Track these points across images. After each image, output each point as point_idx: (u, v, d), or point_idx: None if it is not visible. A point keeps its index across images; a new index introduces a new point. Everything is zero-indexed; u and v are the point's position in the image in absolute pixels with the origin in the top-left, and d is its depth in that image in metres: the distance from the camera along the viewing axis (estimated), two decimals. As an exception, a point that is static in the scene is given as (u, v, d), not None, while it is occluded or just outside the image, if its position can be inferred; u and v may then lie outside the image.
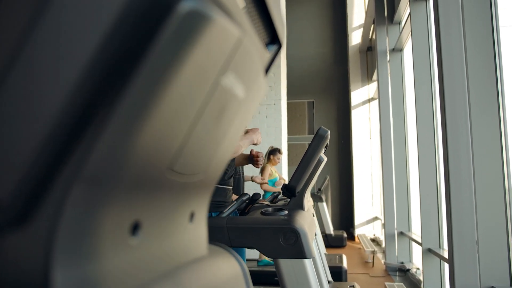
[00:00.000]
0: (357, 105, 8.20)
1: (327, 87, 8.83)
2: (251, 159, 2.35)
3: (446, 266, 3.33)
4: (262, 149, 5.91)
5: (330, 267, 3.82)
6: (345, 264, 4.29)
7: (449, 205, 2.47)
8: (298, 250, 1.40)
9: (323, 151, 1.91)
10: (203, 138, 0.39)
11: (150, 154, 0.32)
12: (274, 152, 4.91)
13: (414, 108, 3.86)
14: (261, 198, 1.96)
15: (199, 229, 0.50)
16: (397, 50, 5.12)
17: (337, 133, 8.67)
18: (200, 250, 0.51)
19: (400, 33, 4.85)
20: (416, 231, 4.66)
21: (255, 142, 2.03)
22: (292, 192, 1.62)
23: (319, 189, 7.23)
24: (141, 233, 0.35)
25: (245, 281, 0.61)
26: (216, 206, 1.95)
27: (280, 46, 0.57)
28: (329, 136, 1.65)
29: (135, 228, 0.34)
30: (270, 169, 4.86)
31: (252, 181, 4.41)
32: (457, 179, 2.40)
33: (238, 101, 0.43)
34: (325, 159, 1.77)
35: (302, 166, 1.61)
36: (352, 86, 8.28)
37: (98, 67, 0.25)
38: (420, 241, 3.85)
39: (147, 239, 0.36)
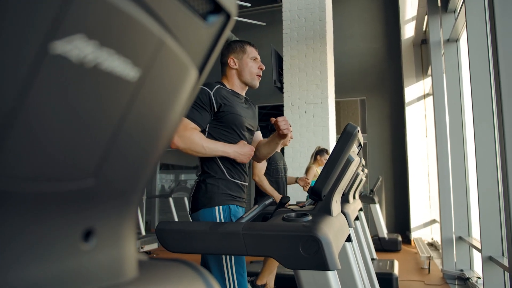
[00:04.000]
0: (412, 102, 7.77)
1: (379, 83, 8.46)
2: (277, 135, 1.95)
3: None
4: (309, 149, 5.75)
5: (378, 274, 3.60)
6: (396, 270, 4.03)
7: (508, 207, 2.20)
8: (320, 261, 1.25)
9: (356, 150, 1.75)
10: (50, 127, 0.28)
11: None
12: (321, 152, 4.73)
13: (471, 103, 3.53)
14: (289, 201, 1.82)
15: (108, 250, 0.39)
16: (452, 40, 4.74)
17: (390, 131, 8.28)
18: (113, 276, 0.40)
19: (456, 20, 4.48)
20: (476, 236, 4.28)
21: (231, 156, 1.82)
22: (317, 195, 1.48)
23: (372, 190, 6.91)
24: None
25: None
26: (235, 199, 1.86)
27: (228, 16, 0.45)
28: (358, 133, 1.49)
29: None
30: (316, 170, 4.69)
31: (297, 183, 4.25)
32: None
33: (127, 82, 0.32)
34: (356, 159, 1.60)
35: (328, 167, 1.46)
36: (405, 82, 7.86)
37: None
38: (479, 247, 3.51)
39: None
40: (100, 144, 0.33)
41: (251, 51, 2.01)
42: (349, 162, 1.52)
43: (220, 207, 1.82)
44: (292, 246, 1.28)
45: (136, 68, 0.32)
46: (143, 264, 0.51)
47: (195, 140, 1.74)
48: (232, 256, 1.75)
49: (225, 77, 2.03)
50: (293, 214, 1.45)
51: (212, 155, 1.82)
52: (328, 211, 1.53)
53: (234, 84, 2.01)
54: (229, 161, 1.87)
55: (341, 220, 1.64)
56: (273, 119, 1.95)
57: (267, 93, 8.34)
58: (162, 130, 0.40)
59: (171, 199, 7.83)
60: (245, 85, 2.02)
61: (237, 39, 2.10)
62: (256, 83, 2.02)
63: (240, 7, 7.76)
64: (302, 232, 1.28)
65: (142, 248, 6.05)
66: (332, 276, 1.28)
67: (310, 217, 1.40)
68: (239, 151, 1.83)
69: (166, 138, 0.43)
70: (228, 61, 2.00)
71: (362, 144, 1.79)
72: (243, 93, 2.05)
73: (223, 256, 1.74)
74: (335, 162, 1.45)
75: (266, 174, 3.60)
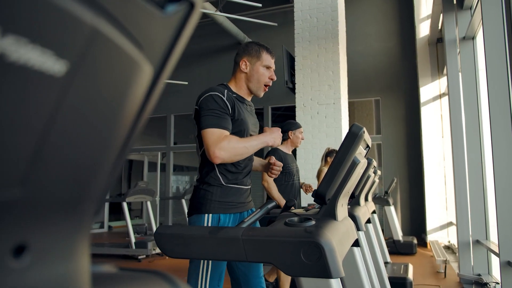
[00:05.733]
0: (427, 102, 7.61)
1: (394, 83, 8.32)
2: (267, 166, 2.05)
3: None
4: (321, 150, 5.67)
5: (392, 278, 3.52)
6: (410, 274, 3.93)
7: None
8: (322, 268, 1.20)
9: (363, 152, 1.68)
10: None
11: None
12: (331, 154, 4.64)
13: (487, 103, 3.41)
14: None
15: (48, 267, 0.35)
16: (468, 38, 4.62)
17: (405, 131, 8.13)
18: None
19: (472, 16, 4.36)
20: (494, 240, 4.14)
21: (270, 143, 1.79)
22: (321, 199, 1.42)
23: (386, 192, 6.80)
24: None
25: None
26: (228, 207, 1.81)
27: (192, 6, 0.41)
28: (364, 134, 1.42)
29: None
30: (326, 172, 4.60)
31: (301, 187, 4.09)
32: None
33: (51, 77, 0.28)
34: (362, 161, 1.54)
35: (332, 170, 1.41)
36: (421, 82, 7.71)
37: None
38: (497, 251, 3.39)
39: None
40: (24, 149, 0.29)
41: (266, 59, 1.93)
42: (354, 164, 1.46)
43: (210, 215, 1.77)
44: (293, 252, 1.23)
45: (62, 61, 0.28)
46: (105, 277, 0.47)
47: (236, 145, 1.70)
48: (210, 266, 1.72)
49: (234, 78, 1.96)
50: (296, 219, 1.39)
51: (254, 151, 1.81)
52: (332, 215, 1.48)
53: (240, 88, 1.94)
54: (227, 168, 1.83)
55: (347, 224, 1.58)
56: (272, 160, 1.99)
57: (279, 94, 8.29)
58: (109, 131, 0.36)
59: (183, 201, 7.84)
60: (251, 92, 1.97)
61: (250, 40, 2.04)
62: (261, 93, 1.96)
63: (252, 7, 7.72)
64: (304, 237, 1.23)
65: (154, 249, 6.06)
66: (335, 284, 1.22)
67: (313, 222, 1.35)
68: (273, 135, 1.81)
69: (119, 141, 0.39)
70: (240, 63, 1.93)
71: (370, 146, 1.73)
72: (249, 99, 2.00)
73: (201, 265, 1.71)
74: (340, 164, 1.39)
75: (278, 177, 3.53)
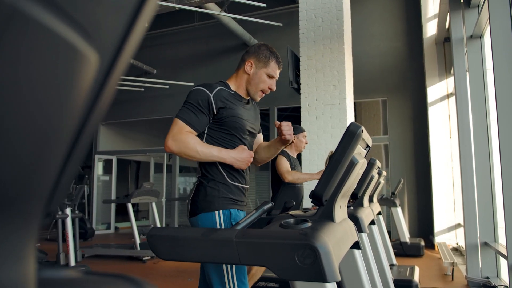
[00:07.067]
0: (435, 102, 7.52)
1: (401, 83, 8.23)
2: (279, 139, 1.91)
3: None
4: (326, 151, 5.61)
5: (397, 281, 3.46)
6: (416, 277, 3.87)
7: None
8: (317, 271, 1.16)
9: (363, 152, 1.64)
10: None
11: None
12: None
13: (495, 103, 3.34)
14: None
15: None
16: (476, 36, 4.54)
17: (412, 132, 8.04)
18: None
19: (479, 14, 4.28)
20: (503, 242, 4.06)
21: (228, 162, 1.75)
22: (318, 200, 1.38)
23: (393, 193, 6.72)
24: None
25: None
26: (234, 203, 1.80)
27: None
28: (363, 133, 1.38)
29: None
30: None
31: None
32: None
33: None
34: (361, 161, 1.49)
35: (329, 170, 1.37)
36: (428, 81, 7.62)
37: None
38: (506, 254, 3.32)
39: None
40: None
41: (273, 69, 1.91)
42: (353, 164, 1.42)
43: (221, 211, 1.76)
44: (287, 255, 1.19)
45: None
46: (61, 284, 0.44)
47: (190, 144, 1.68)
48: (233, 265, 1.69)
49: (235, 75, 1.95)
50: (291, 220, 1.36)
51: (207, 160, 1.76)
52: (330, 217, 1.43)
53: (239, 87, 1.93)
54: (228, 165, 1.81)
55: (346, 226, 1.54)
56: (277, 123, 1.89)
57: (284, 95, 8.24)
58: (45, 123, 0.32)
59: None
60: (248, 94, 1.96)
61: (262, 43, 2.01)
62: (258, 98, 1.95)
63: (257, 8, 7.69)
64: (298, 240, 1.19)
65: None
66: (331, 288, 1.18)
67: (309, 224, 1.31)
68: (237, 156, 1.75)
69: (64, 135, 0.35)
70: (247, 62, 1.92)
71: (371, 145, 1.68)
72: (247, 98, 1.99)
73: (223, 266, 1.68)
74: (337, 164, 1.35)
75: (282, 181, 3.47)
